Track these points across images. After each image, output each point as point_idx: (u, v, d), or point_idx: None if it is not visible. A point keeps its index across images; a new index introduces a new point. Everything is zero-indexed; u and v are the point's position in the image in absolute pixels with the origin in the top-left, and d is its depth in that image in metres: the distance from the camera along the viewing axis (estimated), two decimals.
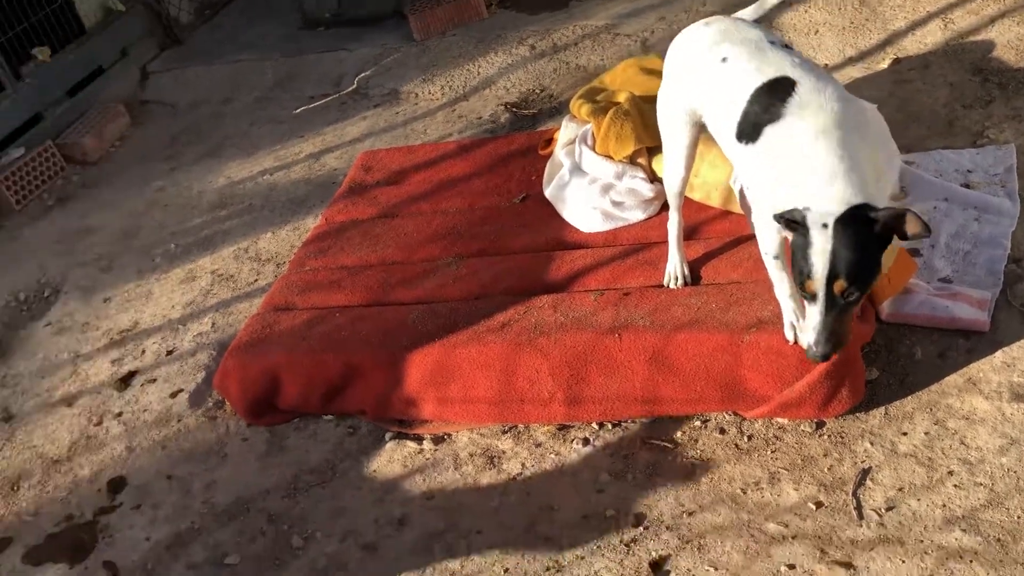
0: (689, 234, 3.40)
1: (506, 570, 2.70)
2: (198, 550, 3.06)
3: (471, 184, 4.25)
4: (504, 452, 3.12)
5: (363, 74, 5.98)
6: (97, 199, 5.69)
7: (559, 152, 4.02)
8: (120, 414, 3.79)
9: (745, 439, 2.92)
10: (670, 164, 3.13)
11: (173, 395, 3.79)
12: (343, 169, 5.06)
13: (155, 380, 3.93)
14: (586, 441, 3.07)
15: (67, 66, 6.41)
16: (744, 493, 2.74)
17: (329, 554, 2.91)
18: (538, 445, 3.11)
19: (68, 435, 3.76)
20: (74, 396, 3.98)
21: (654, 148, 3.66)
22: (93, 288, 4.76)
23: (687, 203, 3.32)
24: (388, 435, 3.31)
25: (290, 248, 4.53)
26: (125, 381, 3.99)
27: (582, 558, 2.68)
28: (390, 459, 3.22)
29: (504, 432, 3.19)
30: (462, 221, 3.98)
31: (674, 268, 3.26)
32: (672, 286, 3.23)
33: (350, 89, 5.46)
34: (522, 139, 4.49)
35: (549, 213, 3.86)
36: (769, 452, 2.86)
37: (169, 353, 4.07)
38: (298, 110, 5.56)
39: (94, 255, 5.05)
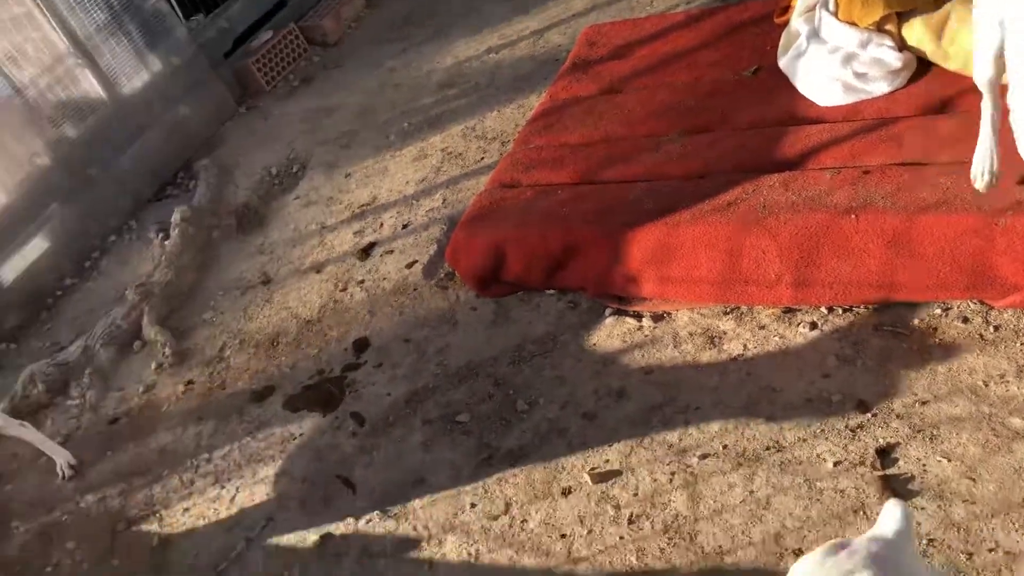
0: (941, 107, 3.11)
1: (724, 446, 2.71)
2: (432, 407, 3.30)
3: (699, 56, 4.09)
4: (725, 333, 3.09)
5: None
6: (336, 79, 6.01)
7: (796, 20, 3.76)
8: (362, 281, 4.10)
9: (991, 330, 2.72)
10: (979, 59, 2.73)
11: (409, 266, 4.04)
12: (567, 45, 5.02)
13: (392, 251, 4.19)
14: (813, 325, 2.97)
15: None
16: (986, 386, 2.57)
17: (551, 419, 3.05)
18: (761, 327, 3.05)
19: (318, 299, 4.12)
20: (322, 264, 4.34)
21: (905, 13, 3.34)
22: (335, 164, 5.10)
23: (939, 73, 3.02)
24: (608, 311, 3.37)
25: (514, 126, 4.61)
26: (366, 251, 4.28)
27: (804, 440, 2.64)
28: (609, 334, 3.28)
29: (726, 313, 3.16)
30: (688, 95, 3.86)
31: (983, 162, 2.69)
32: (979, 185, 2.70)
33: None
34: (756, 6, 4.23)
35: (782, 86, 3.65)
36: (1018, 345, 2.65)
37: (404, 227, 4.32)
38: None
39: (335, 133, 5.39)
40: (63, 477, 3.64)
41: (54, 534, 3.43)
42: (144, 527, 3.31)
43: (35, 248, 4.94)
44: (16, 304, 4.81)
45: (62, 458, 3.66)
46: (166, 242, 4.78)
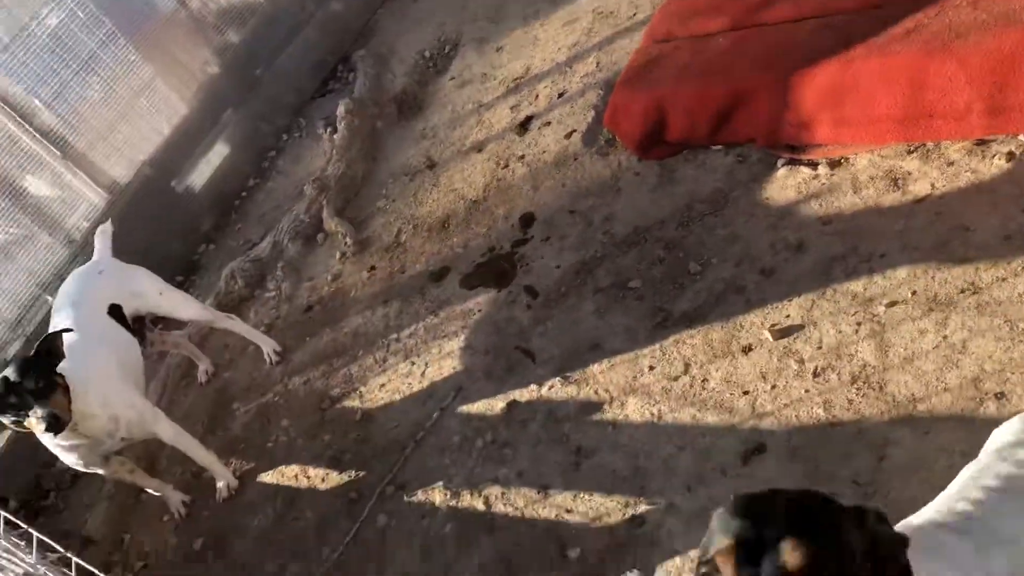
0: None
1: (913, 292, 2.59)
2: (602, 276, 3.32)
3: None
4: (910, 173, 2.90)
5: None
6: None
7: None
8: (523, 156, 4.11)
9: None
10: None
11: (567, 135, 4.00)
12: None
13: (549, 123, 4.16)
14: (1010, 156, 2.73)
15: None
16: None
17: (725, 278, 3.00)
18: (950, 164, 2.84)
19: (482, 178, 4.17)
20: (482, 143, 4.38)
21: None
22: (486, 39, 5.06)
23: None
24: (780, 162, 3.23)
25: None
26: (524, 126, 4.27)
27: (1003, 280, 2.47)
28: (783, 186, 3.15)
29: (909, 152, 2.95)
30: None
31: None
32: None
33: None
34: None
35: None
36: None
37: (560, 96, 4.26)
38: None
39: (483, 7, 5.31)
40: (271, 363, 3.97)
41: (270, 414, 3.77)
42: (347, 403, 3.58)
43: (217, 154, 5.25)
44: (208, 207, 5.17)
45: (268, 346, 3.98)
46: (334, 136, 4.96)
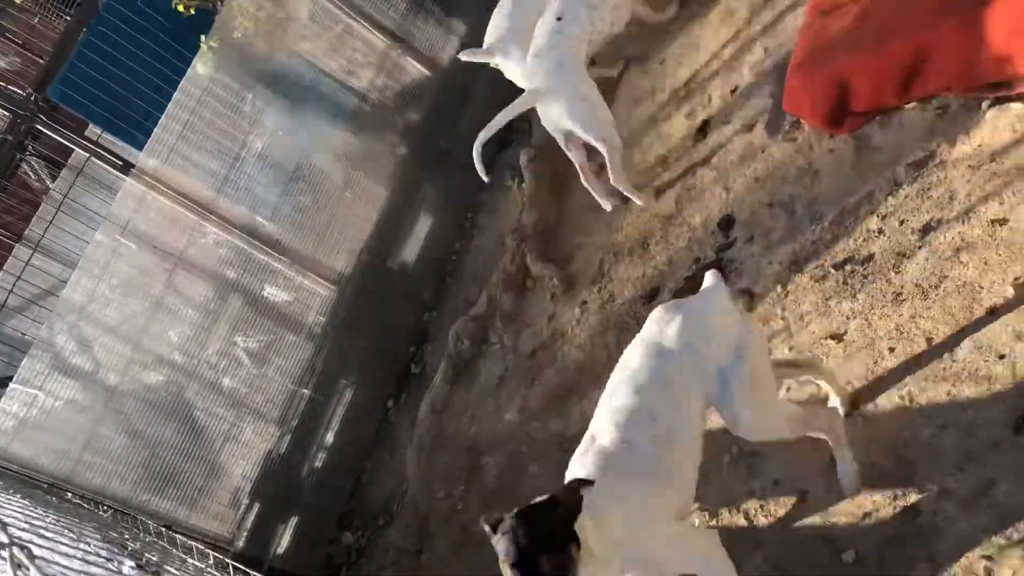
0: None
1: None
2: (819, 262, 3.20)
3: None
4: None
5: None
6: None
7: None
8: (708, 161, 4.06)
9: None
10: None
11: (749, 129, 3.91)
12: None
13: (729, 121, 4.09)
14: None
15: None
16: None
17: (955, 242, 2.81)
18: None
19: (671, 191, 4.15)
20: (664, 157, 4.36)
21: None
22: (644, 56, 5.05)
23: None
24: (985, 104, 2.99)
25: None
26: (702, 131, 4.22)
27: None
28: (994, 127, 2.92)
29: None
30: None
31: None
32: None
33: None
34: None
35: None
36: None
37: (732, 92, 4.18)
38: None
39: (634, 25, 5.32)
40: None
41: (517, 462, 3.92)
42: None
43: (423, 227, 5.57)
44: (426, 278, 5.49)
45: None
46: (522, 185, 5.12)
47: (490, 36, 4.54)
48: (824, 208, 3.33)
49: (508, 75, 4.50)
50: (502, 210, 5.38)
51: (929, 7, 3.06)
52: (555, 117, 4.05)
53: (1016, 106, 2.89)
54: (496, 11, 4.56)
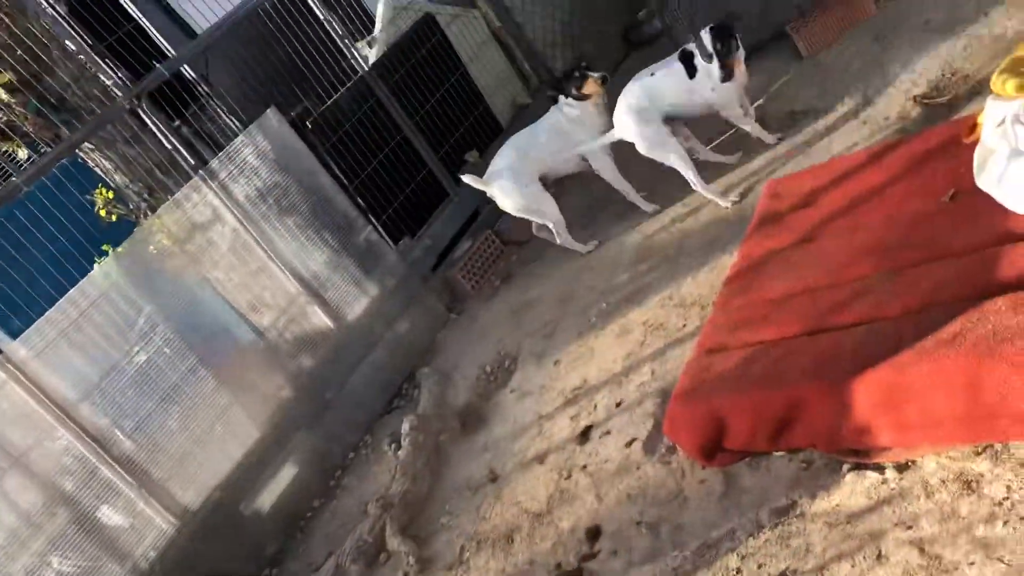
0: None
1: None
2: None
3: (890, 191, 3.98)
4: (982, 475, 2.84)
5: (757, 102, 5.94)
6: (534, 273, 6.32)
7: (989, 136, 3.62)
8: (585, 467, 4.12)
9: None
10: None
11: (628, 444, 4.04)
12: (750, 203, 5.05)
13: (610, 432, 4.22)
14: None
15: None
16: None
17: None
18: (1023, 464, 2.78)
19: (545, 490, 4.17)
20: (544, 453, 4.42)
21: None
22: (543, 353, 5.28)
23: None
24: (846, 467, 3.19)
25: (711, 289, 4.62)
26: (584, 435, 4.33)
27: None
28: (852, 491, 3.09)
29: (978, 453, 2.91)
30: (888, 232, 3.75)
31: None
32: None
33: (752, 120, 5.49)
34: (940, 132, 4.11)
35: (988, 205, 3.47)
36: None
37: (618, 405, 4.35)
38: (702, 152, 5.71)
39: (540, 323, 5.60)
40: None
41: None
42: None
43: (286, 475, 5.36)
44: (274, 531, 5.19)
45: None
46: (399, 452, 5.06)
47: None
48: (688, 537, 3.37)
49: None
50: (371, 475, 5.26)
51: (805, 365, 3.34)
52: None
53: (872, 475, 3.08)
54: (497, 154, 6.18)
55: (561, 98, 5.95)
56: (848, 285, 3.61)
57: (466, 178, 6.04)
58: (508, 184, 5.97)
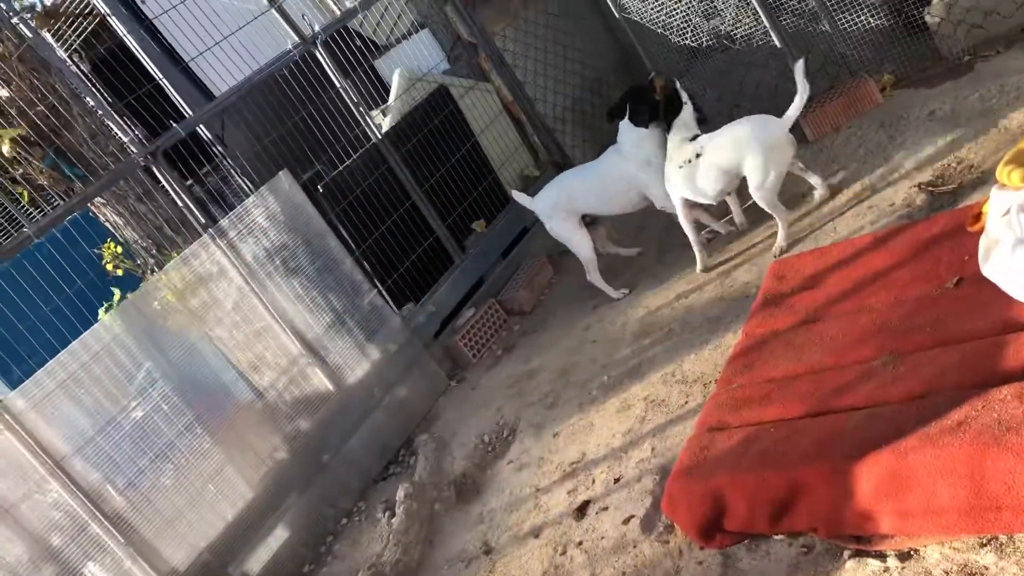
0: None
1: None
2: None
3: (895, 276, 4.01)
4: (987, 568, 2.78)
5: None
6: (536, 343, 6.31)
7: (994, 224, 3.65)
8: (581, 543, 4.05)
9: None
10: None
11: (625, 521, 3.97)
12: (755, 282, 5.07)
13: (607, 508, 4.15)
14: None
15: (499, 233, 7.35)
16: None
17: None
18: None
19: (539, 565, 4.09)
20: (539, 527, 4.35)
21: None
22: (543, 424, 5.23)
23: None
24: (846, 553, 3.13)
25: (714, 367, 4.61)
26: (581, 510, 4.27)
27: None
28: None
29: (983, 544, 2.85)
30: (892, 316, 3.75)
31: None
32: None
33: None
34: (945, 219, 4.15)
35: (992, 294, 3.48)
36: None
37: (616, 481, 4.30)
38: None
39: (540, 394, 5.57)
40: None
41: None
42: None
43: (277, 538, 5.27)
44: None
45: None
46: (392, 520, 4.98)
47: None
48: None
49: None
50: (364, 542, 5.17)
51: (806, 446, 3.30)
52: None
53: (874, 562, 3.02)
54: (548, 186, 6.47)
55: (621, 124, 5.95)
56: (851, 368, 3.60)
57: (515, 194, 6.46)
58: (546, 212, 6.38)
